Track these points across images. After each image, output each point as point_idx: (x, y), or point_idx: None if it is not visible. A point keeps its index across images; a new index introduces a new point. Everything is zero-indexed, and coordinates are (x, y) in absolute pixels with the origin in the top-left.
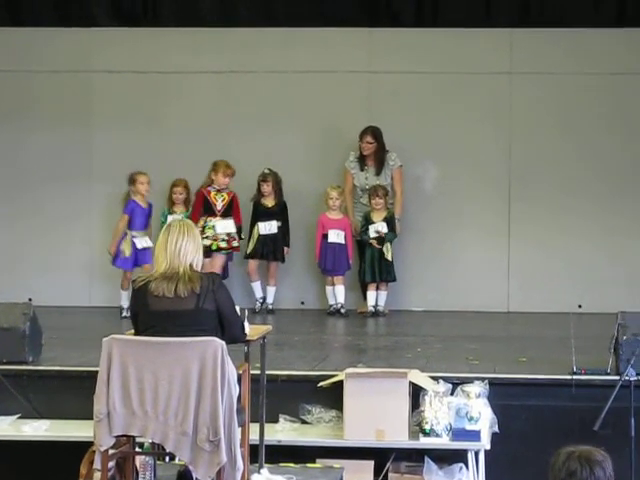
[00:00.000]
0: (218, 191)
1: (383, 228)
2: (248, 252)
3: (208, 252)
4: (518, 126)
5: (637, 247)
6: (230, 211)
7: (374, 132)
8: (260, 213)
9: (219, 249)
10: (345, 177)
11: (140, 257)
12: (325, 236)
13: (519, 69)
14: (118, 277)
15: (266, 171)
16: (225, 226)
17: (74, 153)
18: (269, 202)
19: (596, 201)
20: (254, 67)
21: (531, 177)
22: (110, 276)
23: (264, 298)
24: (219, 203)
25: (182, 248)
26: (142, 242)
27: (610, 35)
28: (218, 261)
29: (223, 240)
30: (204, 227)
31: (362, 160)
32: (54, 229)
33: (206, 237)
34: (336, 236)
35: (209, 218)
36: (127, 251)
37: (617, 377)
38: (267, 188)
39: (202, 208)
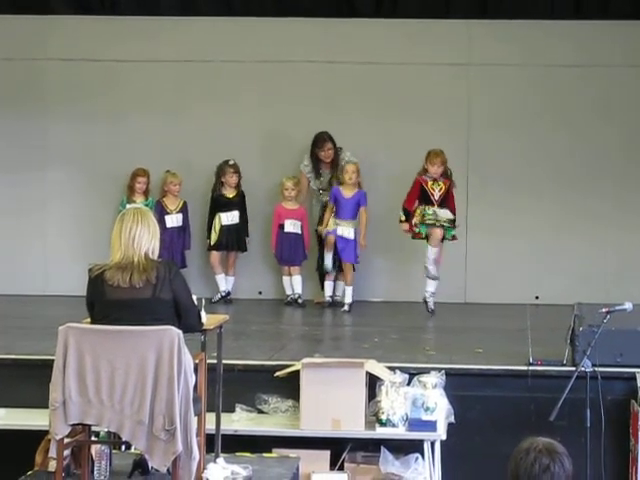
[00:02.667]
0: (434, 180)
1: None
2: (212, 244)
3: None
4: (476, 117)
5: (593, 239)
6: (446, 200)
7: (330, 137)
8: (221, 204)
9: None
10: (301, 180)
11: None
12: (281, 226)
13: (477, 61)
14: (75, 265)
15: (231, 162)
16: (445, 214)
17: (28, 141)
18: (230, 192)
19: (553, 194)
20: (211, 57)
21: (488, 169)
22: (65, 265)
23: (228, 292)
24: (436, 193)
25: (136, 237)
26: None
27: (567, 27)
28: (438, 233)
29: (445, 222)
30: (423, 215)
31: (316, 165)
32: (9, 217)
33: (429, 219)
34: (292, 226)
35: (427, 206)
36: None
37: (573, 368)
38: (235, 179)
39: (417, 197)
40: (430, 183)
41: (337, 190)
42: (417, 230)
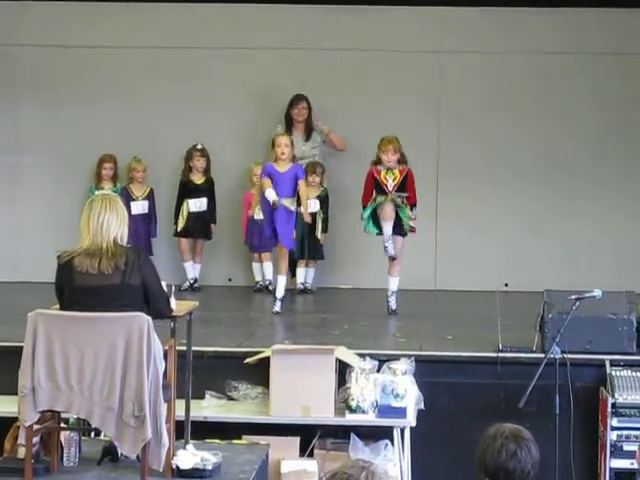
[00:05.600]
0: (388, 169)
1: (315, 206)
2: (178, 230)
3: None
4: (447, 105)
5: (563, 226)
6: (404, 189)
7: (307, 99)
8: (189, 189)
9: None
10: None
11: None
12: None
13: (448, 48)
14: (45, 252)
15: (199, 146)
16: (397, 195)
17: (0, 127)
18: (198, 178)
19: (523, 180)
20: (182, 43)
21: (459, 156)
22: (35, 251)
23: (196, 279)
24: (390, 182)
25: (105, 223)
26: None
27: (538, 14)
28: (397, 244)
29: (396, 198)
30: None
31: (290, 127)
32: None
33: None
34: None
35: (379, 196)
36: None
37: (542, 355)
38: (203, 164)
39: (373, 189)
40: (383, 172)
41: (270, 166)
42: (364, 226)
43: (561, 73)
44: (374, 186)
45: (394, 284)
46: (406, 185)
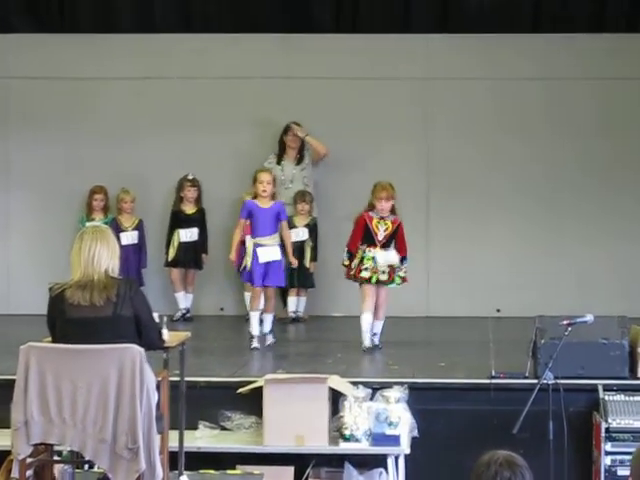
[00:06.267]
0: (381, 218)
1: (304, 234)
2: (169, 260)
3: (368, 283)
4: (436, 131)
5: (553, 252)
6: (392, 240)
7: (300, 126)
8: (180, 220)
9: (378, 282)
10: None
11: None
12: (244, 242)
13: (436, 75)
14: (37, 284)
15: (190, 177)
16: (386, 258)
17: None
18: (190, 209)
19: (512, 207)
20: (170, 73)
21: (449, 182)
22: (29, 283)
23: (188, 309)
24: (381, 232)
25: (96, 255)
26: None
27: (525, 41)
28: (383, 293)
29: (383, 272)
30: (363, 257)
31: (282, 153)
32: None
33: (365, 268)
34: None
35: (368, 248)
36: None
37: (535, 381)
38: (193, 194)
39: (362, 235)
40: (375, 221)
41: (251, 202)
42: (352, 272)
43: (548, 100)
44: (363, 233)
45: (378, 327)
46: (397, 237)
